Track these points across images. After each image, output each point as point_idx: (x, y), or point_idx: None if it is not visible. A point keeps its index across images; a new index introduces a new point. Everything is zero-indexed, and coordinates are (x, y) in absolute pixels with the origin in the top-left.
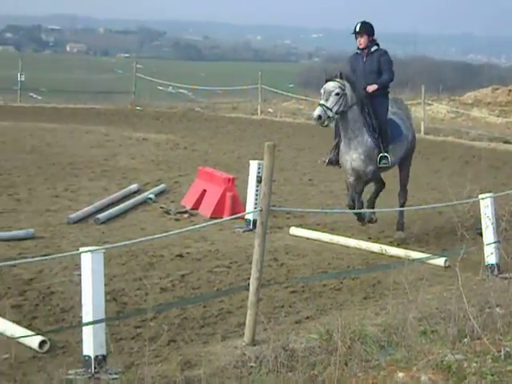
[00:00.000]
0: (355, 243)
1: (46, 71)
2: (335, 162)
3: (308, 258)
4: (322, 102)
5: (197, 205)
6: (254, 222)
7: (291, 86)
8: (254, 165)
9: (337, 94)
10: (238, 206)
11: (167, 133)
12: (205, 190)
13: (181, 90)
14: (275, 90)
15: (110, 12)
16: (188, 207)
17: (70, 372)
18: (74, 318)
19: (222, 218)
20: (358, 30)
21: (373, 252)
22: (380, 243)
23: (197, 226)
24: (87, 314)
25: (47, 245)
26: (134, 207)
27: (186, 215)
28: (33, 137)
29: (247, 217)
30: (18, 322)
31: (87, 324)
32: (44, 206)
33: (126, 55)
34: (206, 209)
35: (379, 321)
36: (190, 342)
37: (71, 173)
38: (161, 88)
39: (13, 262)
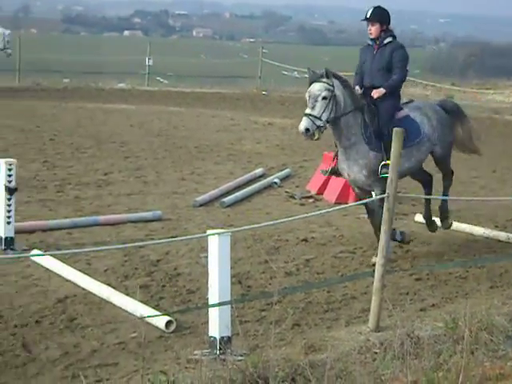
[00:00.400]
0: (482, 231)
1: (173, 56)
2: (337, 171)
3: (433, 246)
4: (308, 110)
5: (322, 190)
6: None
7: (417, 71)
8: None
9: (324, 98)
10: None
11: (292, 118)
12: (330, 176)
13: (306, 75)
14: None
15: None
16: (313, 192)
17: (195, 352)
18: (200, 299)
19: (346, 203)
20: (368, 16)
21: (500, 241)
22: (507, 232)
23: (322, 211)
24: (213, 296)
25: (174, 227)
26: (260, 191)
27: (310, 200)
28: (160, 120)
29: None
30: (146, 302)
31: (213, 305)
32: (171, 189)
33: (252, 40)
34: (330, 194)
35: (506, 310)
36: (313, 327)
37: (197, 156)
38: (286, 73)
39: (141, 244)
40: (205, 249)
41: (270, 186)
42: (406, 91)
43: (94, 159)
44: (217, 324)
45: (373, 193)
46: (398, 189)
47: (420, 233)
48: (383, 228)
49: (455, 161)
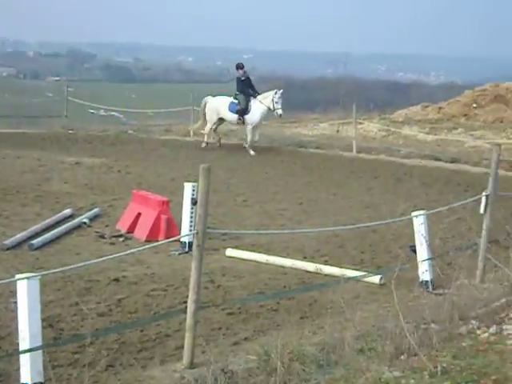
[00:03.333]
0: (291, 263)
1: None
2: None
3: (245, 279)
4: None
5: (132, 228)
6: (190, 244)
7: None
8: (188, 187)
9: None
10: (173, 228)
11: (100, 156)
12: (139, 213)
13: (113, 113)
14: None
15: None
16: (123, 231)
17: None
18: (11, 345)
19: (157, 241)
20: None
21: (308, 271)
22: (315, 262)
23: (132, 250)
24: (24, 341)
25: None
26: (69, 232)
27: (121, 239)
28: None
29: (183, 239)
30: None
31: (24, 352)
32: None
33: (57, 78)
34: (141, 232)
35: (317, 340)
36: (128, 367)
37: (3, 198)
38: (93, 111)
39: None
40: (14, 293)
41: (79, 227)
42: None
43: None
44: (29, 370)
45: None
46: (208, 224)
47: (231, 267)
48: (194, 265)
49: (263, 192)
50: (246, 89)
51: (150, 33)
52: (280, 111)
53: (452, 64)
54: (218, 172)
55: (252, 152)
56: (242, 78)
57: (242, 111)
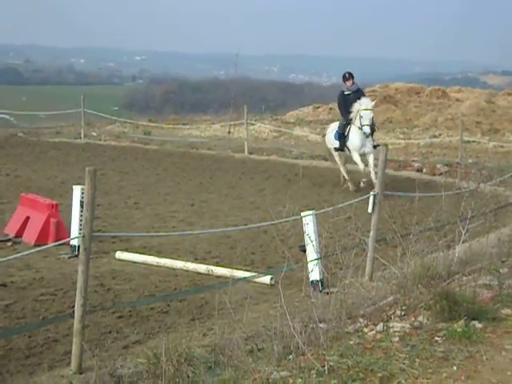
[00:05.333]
0: (182, 265)
1: None
2: None
3: (135, 282)
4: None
5: (20, 232)
6: (79, 247)
7: (115, 108)
8: (77, 190)
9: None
10: (62, 232)
11: None
12: (28, 217)
13: (2, 116)
14: (98, 114)
15: None
16: (11, 235)
17: None
18: None
19: (46, 244)
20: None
21: (199, 273)
22: (206, 264)
23: (20, 254)
24: None
25: None
26: None
27: (9, 243)
28: None
29: (72, 243)
30: None
31: None
32: None
33: None
34: (29, 236)
35: (206, 341)
36: (15, 374)
37: None
38: None
39: None
40: None
41: None
42: (103, 129)
43: None
44: None
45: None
46: (98, 227)
47: (121, 270)
48: (80, 268)
49: (154, 194)
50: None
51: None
52: (367, 129)
53: (344, 65)
54: (109, 174)
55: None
56: (347, 93)
57: (342, 137)
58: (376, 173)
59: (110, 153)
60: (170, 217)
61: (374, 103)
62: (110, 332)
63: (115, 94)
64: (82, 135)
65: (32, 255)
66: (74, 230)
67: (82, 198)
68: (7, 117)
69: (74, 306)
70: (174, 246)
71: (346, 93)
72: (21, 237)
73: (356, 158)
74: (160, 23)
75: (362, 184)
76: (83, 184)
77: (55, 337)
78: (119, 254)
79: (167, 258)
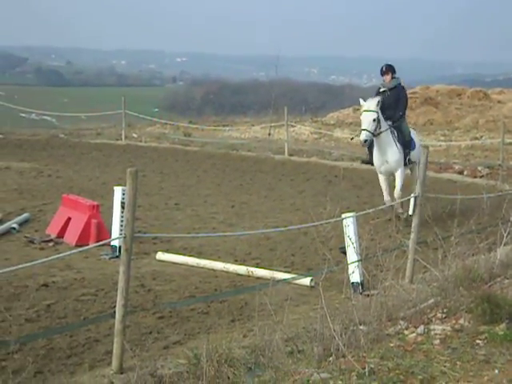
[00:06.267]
0: (222, 266)
1: None
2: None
3: (175, 283)
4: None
5: (62, 233)
6: (120, 248)
7: (156, 110)
8: (118, 191)
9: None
10: (103, 232)
11: (30, 161)
12: (69, 218)
13: (44, 117)
14: (139, 115)
15: None
16: (53, 236)
17: None
18: None
19: (87, 245)
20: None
21: (239, 274)
22: (247, 265)
23: (62, 255)
24: None
25: None
26: None
27: (50, 244)
28: None
29: (113, 243)
30: None
31: None
32: None
33: None
34: (71, 237)
35: (247, 343)
36: (56, 373)
37: None
38: (23, 115)
39: None
40: None
41: (8, 232)
42: (144, 130)
43: None
44: None
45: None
46: (139, 228)
47: (162, 271)
48: (122, 269)
49: (195, 195)
50: (388, 108)
51: (84, 37)
52: (362, 136)
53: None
54: (149, 175)
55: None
56: (382, 89)
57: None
58: (399, 199)
59: (151, 154)
60: (210, 218)
61: (378, 101)
62: (150, 332)
63: (156, 96)
64: (123, 137)
65: (73, 256)
66: (115, 230)
67: (123, 199)
68: (49, 118)
69: (114, 306)
70: (215, 248)
71: (381, 90)
72: (62, 237)
73: (380, 181)
74: (201, 25)
75: (400, 215)
76: (124, 185)
77: (96, 337)
78: (160, 255)
79: (207, 259)
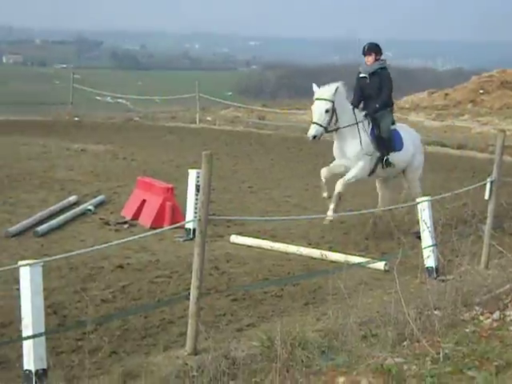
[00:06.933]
0: (295, 249)
1: None
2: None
3: (249, 266)
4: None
5: (136, 215)
6: (194, 230)
7: (230, 93)
8: (192, 174)
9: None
10: (177, 215)
11: (106, 143)
12: (144, 200)
13: (119, 100)
14: (213, 98)
15: (47, 22)
16: (128, 218)
17: None
18: (14, 332)
19: (161, 227)
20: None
21: (313, 258)
22: (320, 249)
23: (136, 237)
24: (27, 328)
25: None
26: (74, 219)
27: (125, 226)
28: None
29: (187, 226)
30: None
31: (27, 338)
32: None
33: (64, 66)
34: (145, 219)
35: (320, 326)
36: (131, 354)
37: (9, 185)
38: (99, 98)
39: None
40: (18, 280)
41: (84, 214)
42: (218, 114)
43: None
44: (31, 357)
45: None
46: (213, 211)
47: (235, 253)
48: (196, 251)
49: (268, 179)
50: (369, 98)
51: (158, 20)
52: (310, 131)
53: (460, 50)
54: (223, 159)
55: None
56: (362, 75)
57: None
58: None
59: (225, 137)
60: (283, 201)
61: (336, 88)
62: (224, 314)
63: (229, 80)
64: (197, 120)
65: (148, 238)
66: (189, 213)
67: (198, 181)
68: (123, 101)
69: (189, 288)
70: (288, 231)
71: (360, 75)
72: (137, 219)
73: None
74: (274, 9)
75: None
76: (198, 168)
77: (170, 318)
78: (234, 238)
79: (281, 242)
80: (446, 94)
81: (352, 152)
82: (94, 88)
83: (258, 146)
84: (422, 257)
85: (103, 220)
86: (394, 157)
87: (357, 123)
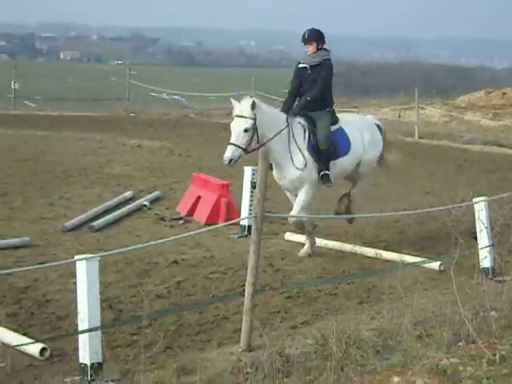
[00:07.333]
0: (350, 248)
1: (40, 79)
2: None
3: (303, 264)
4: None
5: (192, 211)
6: (249, 227)
7: (285, 91)
8: (248, 171)
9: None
10: (232, 211)
11: (161, 139)
12: (199, 197)
13: (174, 97)
14: (268, 96)
15: (103, 19)
16: (183, 214)
17: (66, 380)
18: (70, 325)
19: (216, 224)
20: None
21: (368, 257)
22: (375, 248)
23: (192, 233)
24: (83, 322)
25: (42, 253)
26: (129, 214)
27: (180, 222)
28: (27, 145)
29: (242, 223)
30: (14, 330)
31: (83, 332)
32: (39, 214)
33: (120, 62)
34: (200, 215)
35: (374, 325)
36: (185, 349)
37: (66, 181)
38: (154, 94)
39: (8, 271)
40: (74, 274)
41: (139, 209)
42: None
43: None
44: (87, 350)
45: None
46: (268, 208)
47: (290, 251)
48: (252, 248)
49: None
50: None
51: (214, 17)
52: (226, 154)
53: None
54: None
55: None
56: (301, 65)
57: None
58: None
59: None
60: (337, 200)
61: (252, 104)
62: (278, 312)
63: (284, 77)
64: None
65: (203, 234)
66: (244, 210)
67: (253, 178)
68: (179, 98)
69: (243, 285)
70: (343, 229)
71: (299, 65)
72: (192, 215)
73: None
74: (329, 6)
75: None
76: (254, 165)
77: (225, 314)
78: (288, 235)
79: (336, 240)
80: (504, 93)
81: (291, 176)
82: (149, 84)
83: None
84: (479, 257)
85: (158, 216)
86: (337, 164)
87: (289, 145)
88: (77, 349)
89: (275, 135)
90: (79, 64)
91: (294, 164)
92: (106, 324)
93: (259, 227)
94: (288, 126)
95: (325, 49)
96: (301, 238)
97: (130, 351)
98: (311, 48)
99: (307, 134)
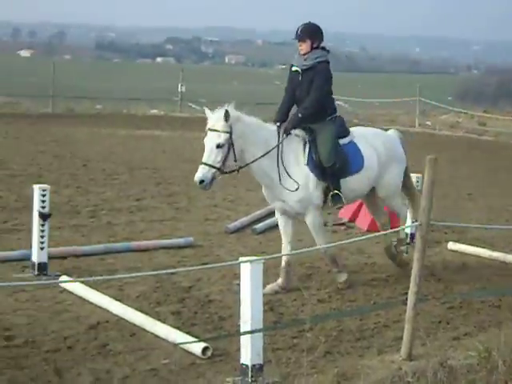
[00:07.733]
0: None
1: (206, 82)
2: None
3: (466, 274)
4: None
5: (354, 217)
6: (412, 236)
7: (450, 98)
8: (412, 178)
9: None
10: (394, 219)
11: None
12: (362, 203)
13: (338, 102)
14: (433, 103)
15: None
16: (345, 219)
17: (227, 379)
18: (232, 326)
19: (378, 231)
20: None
21: None
22: None
23: (354, 239)
24: (245, 323)
25: (206, 253)
26: None
27: (342, 227)
28: (192, 146)
29: (405, 230)
30: (178, 329)
31: (246, 333)
32: (203, 215)
33: (284, 66)
34: (362, 221)
35: None
36: (345, 355)
37: (229, 183)
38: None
39: (173, 270)
40: (237, 276)
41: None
42: (438, 118)
43: (126, 185)
44: (249, 351)
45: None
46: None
47: (452, 261)
48: (416, 256)
49: (487, 186)
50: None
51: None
52: (197, 174)
53: None
54: (442, 164)
55: None
56: (294, 68)
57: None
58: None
59: (444, 142)
60: (503, 210)
61: (225, 114)
62: (439, 322)
63: (449, 84)
64: (416, 123)
65: (365, 240)
66: (407, 218)
67: (417, 186)
68: (342, 103)
69: (405, 293)
70: (508, 240)
71: (293, 68)
72: (354, 221)
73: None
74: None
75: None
76: (417, 172)
77: (385, 322)
78: (451, 245)
79: (501, 251)
80: None
81: (291, 198)
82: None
83: (478, 153)
84: None
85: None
86: (348, 183)
87: (277, 164)
88: (238, 349)
89: (267, 152)
90: (244, 68)
91: (285, 186)
92: (267, 326)
93: (424, 235)
94: (279, 140)
95: (323, 48)
96: (464, 248)
97: (290, 354)
98: (304, 46)
99: (307, 148)
